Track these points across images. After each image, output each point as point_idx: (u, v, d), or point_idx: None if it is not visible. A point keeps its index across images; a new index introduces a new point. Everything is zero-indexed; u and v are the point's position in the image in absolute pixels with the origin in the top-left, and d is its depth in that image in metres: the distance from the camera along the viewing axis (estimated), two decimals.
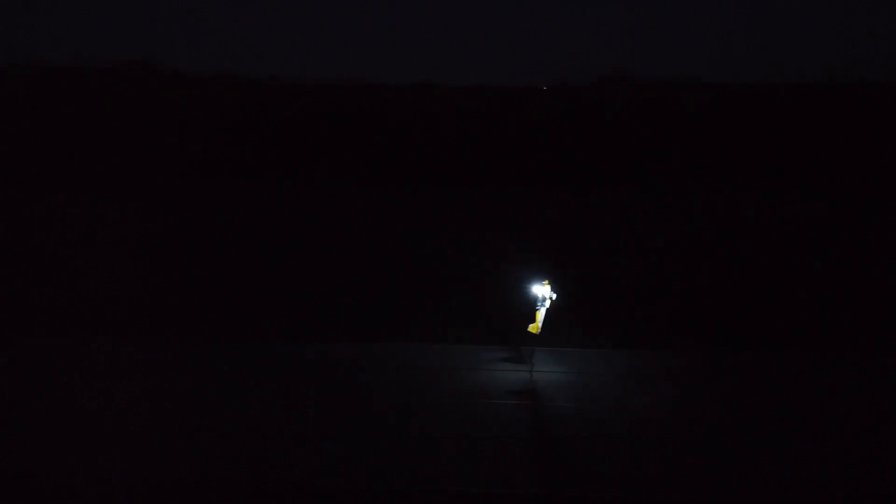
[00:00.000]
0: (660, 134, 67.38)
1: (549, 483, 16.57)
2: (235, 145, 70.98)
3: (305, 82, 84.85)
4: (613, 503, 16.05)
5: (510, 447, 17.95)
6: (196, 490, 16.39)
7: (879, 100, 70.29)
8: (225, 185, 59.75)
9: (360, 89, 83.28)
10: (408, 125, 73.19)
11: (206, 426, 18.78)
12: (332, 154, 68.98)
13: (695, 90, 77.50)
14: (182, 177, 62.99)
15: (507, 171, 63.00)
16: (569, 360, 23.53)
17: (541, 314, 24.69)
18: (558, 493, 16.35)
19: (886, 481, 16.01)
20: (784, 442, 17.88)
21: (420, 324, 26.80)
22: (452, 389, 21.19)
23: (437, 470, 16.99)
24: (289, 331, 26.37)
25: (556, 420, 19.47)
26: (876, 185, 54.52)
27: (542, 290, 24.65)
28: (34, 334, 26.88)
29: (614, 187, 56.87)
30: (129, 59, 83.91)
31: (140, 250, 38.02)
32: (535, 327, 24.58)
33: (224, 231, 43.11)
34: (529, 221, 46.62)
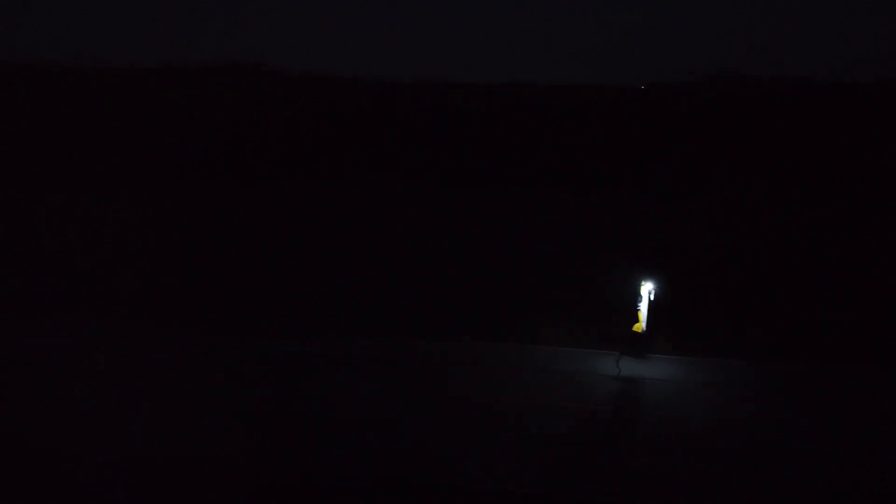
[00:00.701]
0: (768, 134, 64.64)
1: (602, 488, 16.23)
2: (341, 144, 73.21)
3: (402, 81, 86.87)
4: None
5: (566, 450, 18.02)
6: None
7: None
8: (342, 184, 62.41)
9: (448, 88, 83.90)
10: (499, 124, 73.23)
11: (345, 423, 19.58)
12: (426, 153, 69.93)
13: (803, 88, 73.82)
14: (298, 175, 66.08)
15: (603, 172, 62.24)
16: (659, 366, 23.73)
17: (643, 313, 24.92)
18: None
19: None
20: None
21: (511, 323, 27.74)
22: (532, 390, 21.52)
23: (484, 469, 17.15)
24: (395, 326, 27.49)
25: (624, 425, 19.51)
26: None
27: (643, 290, 24.96)
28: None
29: (719, 189, 55.38)
30: (237, 59, 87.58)
31: (273, 248, 40.17)
32: (638, 326, 24.87)
33: (339, 229, 45.22)
34: (627, 223, 46.48)
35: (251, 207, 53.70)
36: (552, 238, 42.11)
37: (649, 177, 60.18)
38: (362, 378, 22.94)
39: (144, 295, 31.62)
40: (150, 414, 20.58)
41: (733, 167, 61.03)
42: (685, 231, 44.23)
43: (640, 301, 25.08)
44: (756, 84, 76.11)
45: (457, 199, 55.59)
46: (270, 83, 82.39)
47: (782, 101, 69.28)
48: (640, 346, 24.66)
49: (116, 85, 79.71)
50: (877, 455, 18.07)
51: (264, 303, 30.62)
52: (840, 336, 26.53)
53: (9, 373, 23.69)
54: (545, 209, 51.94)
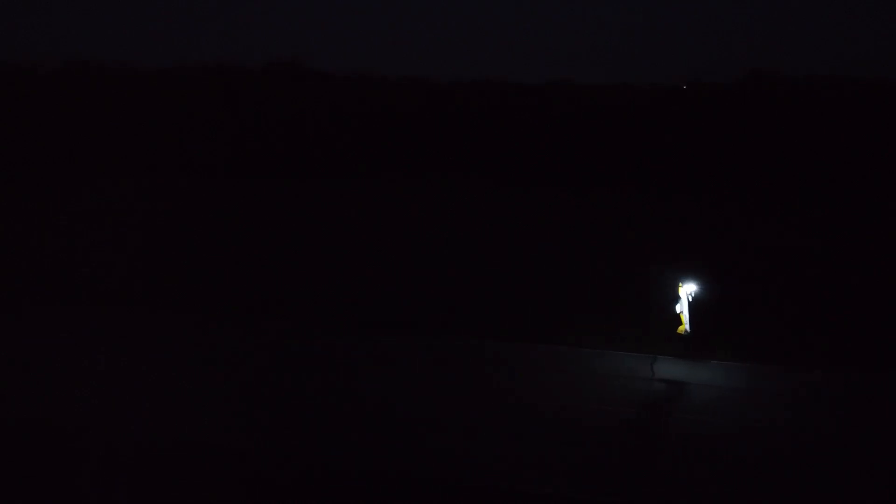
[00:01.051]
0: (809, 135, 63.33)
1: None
2: (375, 142, 73.77)
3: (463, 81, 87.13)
4: None
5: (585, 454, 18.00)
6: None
7: None
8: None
9: (487, 88, 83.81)
10: (539, 124, 72.94)
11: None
12: (466, 153, 70.02)
13: (846, 87, 72.16)
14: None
15: (648, 173, 61.60)
16: (696, 371, 23.26)
17: (685, 315, 24.73)
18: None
19: None
20: None
21: (549, 324, 27.78)
22: (566, 392, 21.56)
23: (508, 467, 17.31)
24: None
25: (652, 430, 19.39)
26: None
27: (683, 292, 24.73)
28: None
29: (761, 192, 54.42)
30: (278, 59, 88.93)
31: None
32: (682, 328, 24.71)
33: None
34: (668, 223, 46.07)
35: (285, 205, 54.64)
36: (593, 238, 41.99)
37: (692, 177, 59.36)
38: (421, 378, 23.30)
39: (188, 287, 32.93)
40: (171, 401, 21.30)
41: (777, 167, 59.91)
42: (725, 232, 43.65)
43: (681, 303, 24.87)
44: (798, 83, 74.60)
45: (493, 198, 55.66)
46: (309, 82, 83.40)
47: (824, 101, 67.76)
48: (685, 345, 24.45)
49: (158, 84, 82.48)
50: None
51: (317, 297, 31.51)
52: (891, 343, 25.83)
53: (27, 361, 24.69)
54: (583, 208, 51.74)
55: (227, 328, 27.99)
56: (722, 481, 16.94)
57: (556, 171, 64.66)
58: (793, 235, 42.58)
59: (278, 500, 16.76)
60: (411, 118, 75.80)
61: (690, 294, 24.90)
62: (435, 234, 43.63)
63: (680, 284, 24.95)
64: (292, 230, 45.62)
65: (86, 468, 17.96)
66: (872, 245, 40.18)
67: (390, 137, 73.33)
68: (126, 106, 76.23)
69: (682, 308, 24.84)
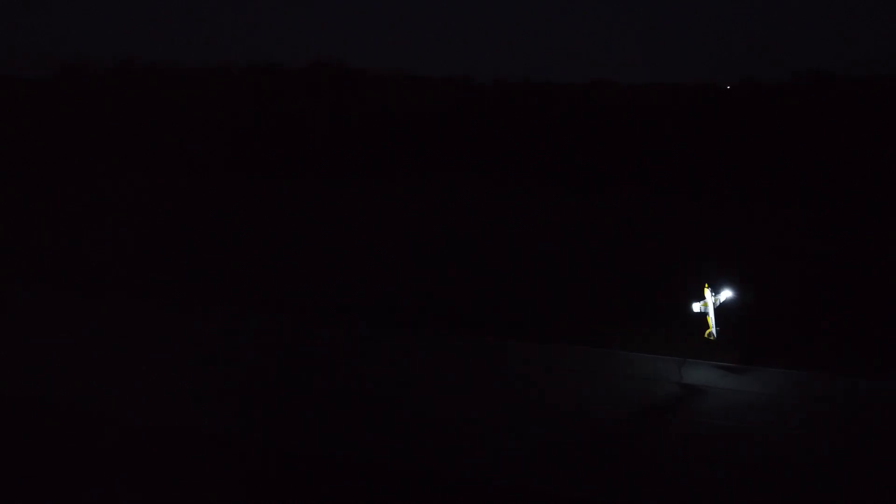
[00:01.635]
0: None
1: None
2: (422, 141, 74.05)
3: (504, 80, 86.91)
4: None
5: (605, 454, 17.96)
6: None
7: None
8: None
9: (533, 89, 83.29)
10: (585, 124, 72.19)
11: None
12: (514, 152, 69.70)
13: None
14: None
15: (688, 174, 60.47)
16: (728, 375, 22.74)
17: (711, 319, 24.31)
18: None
19: None
20: None
21: (581, 324, 27.58)
22: (591, 395, 21.38)
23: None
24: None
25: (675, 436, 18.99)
26: None
27: (710, 296, 24.31)
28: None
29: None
30: (319, 60, 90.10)
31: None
32: (708, 332, 24.29)
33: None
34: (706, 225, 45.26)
35: (317, 203, 55.32)
36: (626, 238, 41.52)
37: (731, 179, 58.08)
38: (448, 376, 23.37)
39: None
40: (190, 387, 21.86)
41: (825, 169, 58.23)
42: (759, 236, 42.69)
43: (708, 307, 24.41)
44: (848, 84, 72.35)
45: (529, 199, 55.35)
46: (353, 82, 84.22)
47: (873, 102, 65.55)
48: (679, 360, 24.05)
49: (210, 83, 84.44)
50: None
51: (364, 292, 31.89)
52: None
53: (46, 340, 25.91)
54: (618, 209, 51.10)
55: (242, 322, 28.54)
56: (738, 484, 16.75)
57: (593, 172, 63.86)
58: (826, 240, 41.39)
59: (277, 492, 16.85)
60: (447, 118, 75.83)
61: (719, 299, 24.43)
62: (473, 232, 43.70)
63: (706, 287, 24.49)
64: (326, 228, 46.10)
65: (96, 454, 18.50)
66: None
67: (428, 136, 73.50)
68: (171, 104, 78.19)
69: (710, 312, 24.35)
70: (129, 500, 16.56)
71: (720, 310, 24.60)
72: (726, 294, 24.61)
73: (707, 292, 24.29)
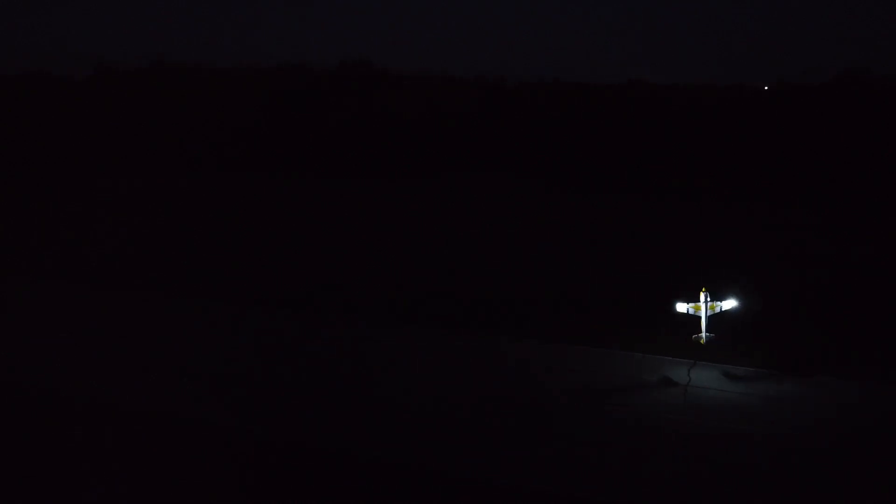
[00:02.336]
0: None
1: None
2: (451, 140, 73.92)
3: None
4: None
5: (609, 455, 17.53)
6: None
7: None
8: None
9: (570, 89, 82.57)
10: (618, 125, 71.34)
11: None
12: (545, 153, 69.17)
13: None
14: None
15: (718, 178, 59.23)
16: (738, 379, 22.08)
17: (703, 323, 23.69)
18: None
19: None
20: None
21: (586, 325, 27.08)
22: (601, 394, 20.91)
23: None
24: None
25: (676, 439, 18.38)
26: None
27: (704, 300, 23.66)
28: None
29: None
30: (352, 60, 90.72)
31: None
32: (699, 337, 23.66)
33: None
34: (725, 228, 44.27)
35: (346, 202, 55.54)
36: (653, 241, 40.84)
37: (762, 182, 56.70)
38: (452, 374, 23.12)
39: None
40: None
41: (857, 171, 56.51)
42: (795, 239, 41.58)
43: (701, 311, 23.92)
44: (886, 84, 70.22)
45: (559, 201, 54.74)
46: (377, 82, 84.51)
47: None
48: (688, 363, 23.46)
49: (239, 83, 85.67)
50: None
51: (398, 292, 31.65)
52: None
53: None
54: (649, 212, 50.29)
55: (279, 319, 28.64)
56: (738, 485, 16.42)
57: (630, 174, 62.69)
58: (858, 243, 40.25)
59: (276, 490, 16.73)
60: (477, 118, 75.58)
61: (721, 306, 23.91)
62: (494, 233, 43.51)
63: (703, 290, 23.99)
64: (346, 227, 46.32)
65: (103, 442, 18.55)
66: None
67: (455, 136, 73.32)
68: (200, 103, 79.53)
69: (702, 316, 23.88)
70: (128, 489, 16.56)
71: (719, 315, 23.99)
72: (730, 303, 23.95)
73: (703, 296, 23.72)
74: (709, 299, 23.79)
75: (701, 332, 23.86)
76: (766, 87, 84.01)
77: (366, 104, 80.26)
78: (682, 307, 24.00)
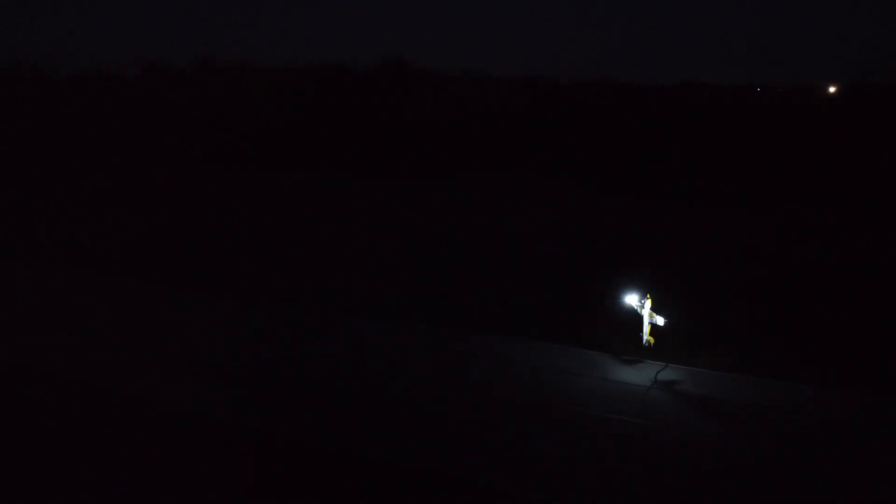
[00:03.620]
0: None
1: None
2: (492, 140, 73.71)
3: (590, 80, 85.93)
4: None
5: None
6: None
7: None
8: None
9: (627, 89, 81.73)
10: (677, 126, 70.13)
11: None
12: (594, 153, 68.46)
13: None
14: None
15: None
16: (705, 382, 21.99)
17: (645, 327, 23.45)
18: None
19: None
20: None
21: (558, 324, 27.03)
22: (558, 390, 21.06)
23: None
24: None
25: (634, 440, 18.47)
26: None
27: (644, 303, 23.46)
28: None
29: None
30: (385, 59, 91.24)
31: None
32: (646, 341, 23.38)
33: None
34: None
35: (380, 200, 55.71)
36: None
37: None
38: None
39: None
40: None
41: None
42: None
43: (644, 314, 23.85)
44: None
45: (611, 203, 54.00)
46: (415, 81, 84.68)
47: None
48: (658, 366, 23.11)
49: (283, 82, 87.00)
50: None
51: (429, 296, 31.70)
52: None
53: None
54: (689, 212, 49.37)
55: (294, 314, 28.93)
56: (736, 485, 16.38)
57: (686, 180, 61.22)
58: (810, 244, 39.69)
59: (277, 489, 16.88)
60: (524, 117, 75.20)
61: (655, 316, 23.60)
62: (548, 232, 43.22)
63: (647, 296, 24.03)
64: (394, 224, 46.58)
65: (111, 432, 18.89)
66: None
67: (499, 136, 73.08)
68: (246, 102, 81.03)
69: (644, 319, 23.68)
70: (127, 476, 16.96)
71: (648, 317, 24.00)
72: (660, 319, 23.49)
73: (645, 302, 23.45)
74: (648, 307, 23.92)
75: (646, 335, 24.03)
76: (834, 89, 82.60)
77: (397, 104, 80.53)
78: (630, 301, 24.16)
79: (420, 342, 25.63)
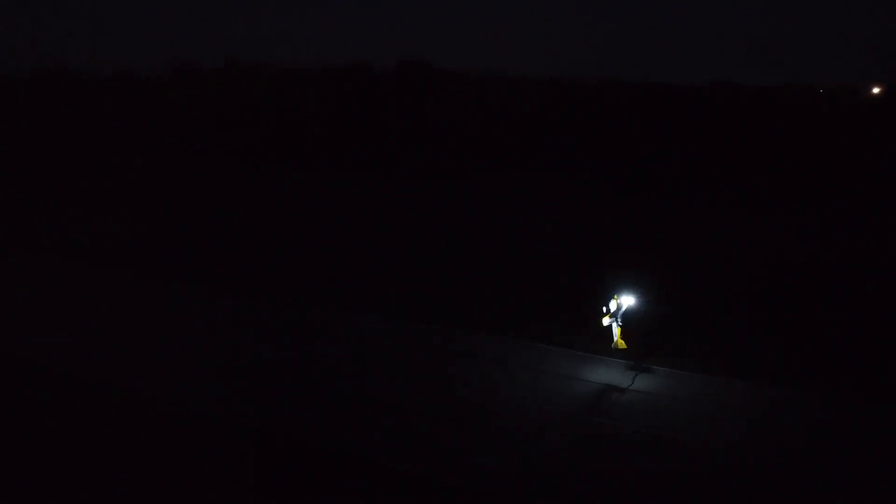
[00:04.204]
0: None
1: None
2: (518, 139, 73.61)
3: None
4: None
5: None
6: None
7: None
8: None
9: (650, 89, 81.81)
10: (704, 126, 70.21)
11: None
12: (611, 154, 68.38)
13: None
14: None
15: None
16: (680, 384, 21.82)
17: (616, 328, 23.54)
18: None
19: None
20: None
21: (534, 322, 27.11)
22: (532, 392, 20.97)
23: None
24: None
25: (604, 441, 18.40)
26: None
27: (618, 304, 23.50)
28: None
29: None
30: (406, 60, 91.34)
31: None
32: (619, 343, 23.43)
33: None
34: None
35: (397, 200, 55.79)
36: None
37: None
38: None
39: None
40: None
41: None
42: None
43: (613, 315, 23.82)
44: None
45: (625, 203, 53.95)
46: (437, 81, 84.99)
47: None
48: (633, 369, 23.06)
49: (306, 83, 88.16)
50: None
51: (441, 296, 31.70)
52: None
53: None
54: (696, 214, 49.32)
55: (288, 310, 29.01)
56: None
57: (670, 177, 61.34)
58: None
59: (275, 483, 16.92)
60: (542, 117, 75.20)
61: (621, 305, 23.75)
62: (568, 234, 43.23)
63: (615, 297, 23.74)
64: (412, 225, 46.67)
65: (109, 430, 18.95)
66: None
67: (519, 136, 73.12)
68: (263, 103, 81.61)
69: (615, 321, 23.70)
70: (127, 476, 16.96)
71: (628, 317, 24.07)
72: (628, 301, 23.46)
73: (613, 304, 23.49)
74: (618, 303, 23.96)
75: (617, 337, 24.11)
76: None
77: (418, 105, 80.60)
78: (610, 320, 24.16)
79: (420, 342, 25.64)
